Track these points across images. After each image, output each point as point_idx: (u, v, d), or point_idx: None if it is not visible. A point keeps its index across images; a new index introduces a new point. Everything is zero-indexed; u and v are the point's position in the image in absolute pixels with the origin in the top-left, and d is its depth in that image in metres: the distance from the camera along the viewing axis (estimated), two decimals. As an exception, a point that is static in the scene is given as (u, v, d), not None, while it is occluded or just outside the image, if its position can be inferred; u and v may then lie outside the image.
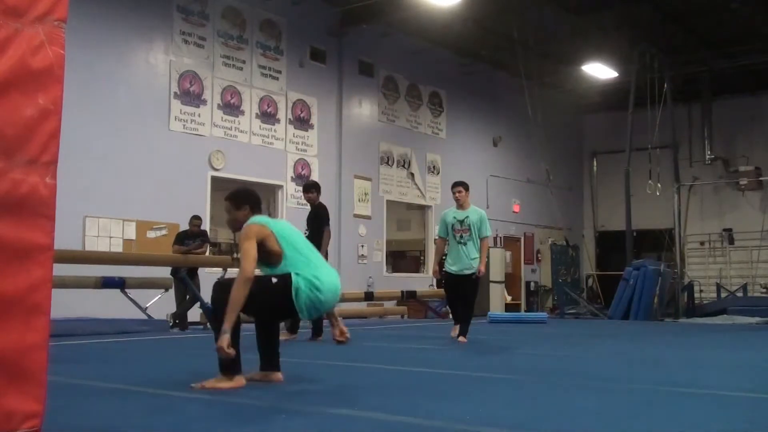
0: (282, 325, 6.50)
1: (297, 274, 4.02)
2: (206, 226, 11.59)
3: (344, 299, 10.80)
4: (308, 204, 8.20)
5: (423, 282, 16.09)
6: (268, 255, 4.06)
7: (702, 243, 20.86)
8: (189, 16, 12.57)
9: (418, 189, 16.91)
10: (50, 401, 2.47)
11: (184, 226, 10.78)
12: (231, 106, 13.09)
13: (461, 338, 7.46)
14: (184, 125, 12.34)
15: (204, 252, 10.59)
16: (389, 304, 14.33)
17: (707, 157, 20.43)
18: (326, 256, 7.59)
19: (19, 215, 2.35)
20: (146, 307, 9.88)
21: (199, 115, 12.57)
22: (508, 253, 18.90)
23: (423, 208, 17.35)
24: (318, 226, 7.77)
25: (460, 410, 3.46)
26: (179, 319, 10.10)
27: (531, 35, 15.95)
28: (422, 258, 17.66)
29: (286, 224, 4.36)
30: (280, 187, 13.80)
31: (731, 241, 20.53)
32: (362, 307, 13.56)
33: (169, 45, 12.27)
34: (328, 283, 4.07)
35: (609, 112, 20.78)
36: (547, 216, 20.23)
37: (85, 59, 10.70)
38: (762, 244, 19.52)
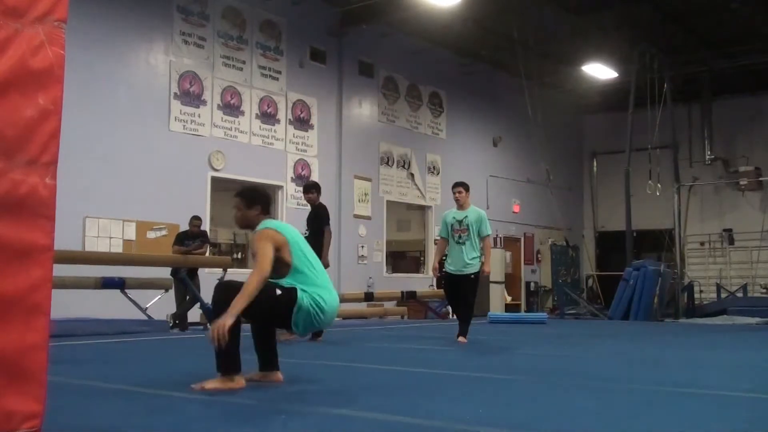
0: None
1: (303, 290, 4.02)
2: (206, 226, 11.59)
3: (344, 299, 10.78)
4: (308, 204, 8.22)
5: (423, 282, 16.09)
6: (278, 264, 4.03)
7: (702, 243, 20.84)
8: (189, 17, 12.57)
9: (418, 189, 16.90)
10: (50, 401, 2.48)
11: (184, 226, 10.78)
12: (231, 107, 13.09)
13: (461, 338, 7.48)
14: (184, 125, 12.34)
15: (204, 252, 10.59)
16: (389, 305, 14.31)
17: (707, 157, 20.42)
18: (328, 257, 7.63)
19: (19, 215, 2.35)
20: (146, 308, 9.87)
21: (199, 116, 12.57)
22: (508, 254, 18.90)
23: (423, 209, 17.34)
24: (318, 227, 7.78)
25: (460, 410, 3.46)
26: (179, 320, 10.09)
27: (531, 35, 15.95)
28: (422, 258, 17.64)
29: (296, 231, 4.33)
30: (280, 187, 13.79)
31: (731, 241, 20.52)
32: (362, 307, 13.55)
33: (169, 45, 12.27)
34: (331, 304, 4.09)
35: (609, 112, 20.77)
36: (547, 216, 20.22)
37: (85, 59, 10.70)
38: (762, 245, 19.51)
